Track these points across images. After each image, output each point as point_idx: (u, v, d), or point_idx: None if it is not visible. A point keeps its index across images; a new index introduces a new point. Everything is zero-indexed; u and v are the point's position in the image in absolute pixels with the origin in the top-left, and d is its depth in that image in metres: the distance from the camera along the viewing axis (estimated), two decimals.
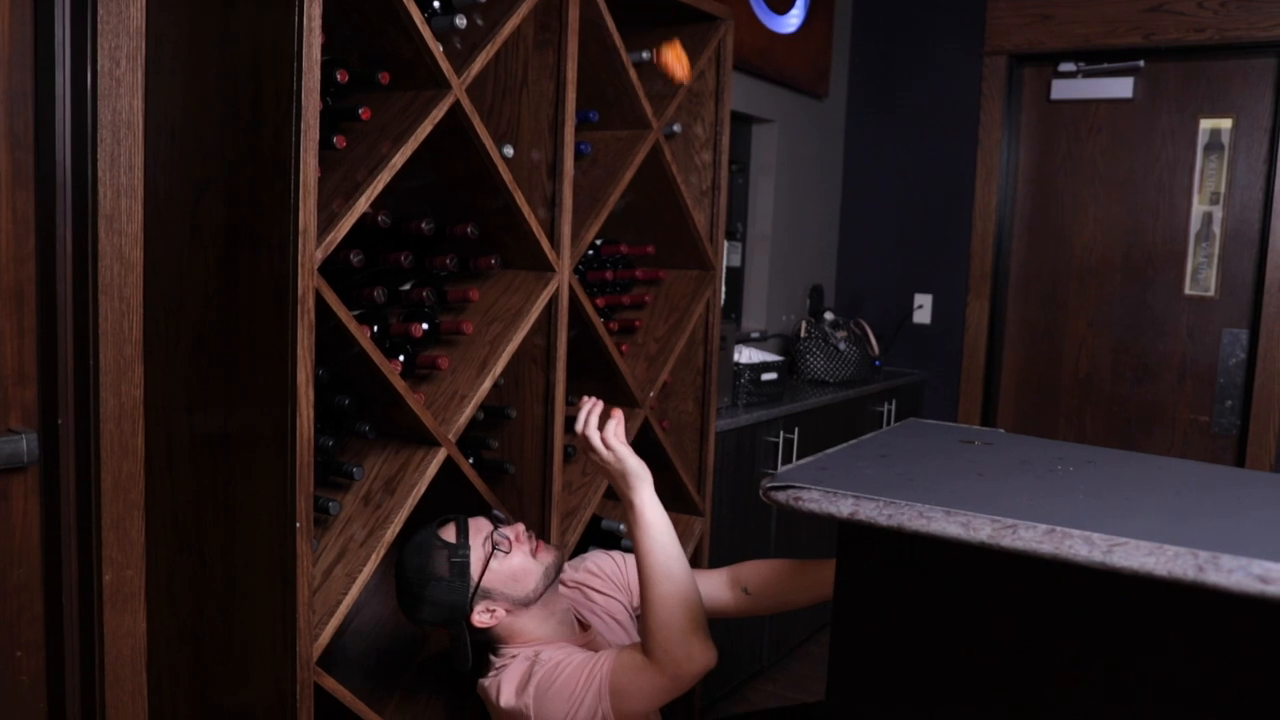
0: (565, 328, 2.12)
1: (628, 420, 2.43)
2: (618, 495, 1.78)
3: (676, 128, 2.60)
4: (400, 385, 1.75)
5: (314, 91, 1.50)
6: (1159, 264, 3.92)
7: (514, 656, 1.81)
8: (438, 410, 1.90)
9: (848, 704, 1.32)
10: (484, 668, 1.85)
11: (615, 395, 2.44)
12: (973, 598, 1.21)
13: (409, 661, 2.16)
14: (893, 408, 3.95)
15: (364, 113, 1.72)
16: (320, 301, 1.57)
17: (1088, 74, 3.97)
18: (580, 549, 2.43)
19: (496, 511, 1.93)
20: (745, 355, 3.28)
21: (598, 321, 2.27)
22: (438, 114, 1.74)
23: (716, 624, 1.85)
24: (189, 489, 1.71)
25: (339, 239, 1.59)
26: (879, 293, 4.39)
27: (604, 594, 2.06)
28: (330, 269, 1.62)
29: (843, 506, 1.17)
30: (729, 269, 3.79)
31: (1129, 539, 1.02)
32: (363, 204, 1.62)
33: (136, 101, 1.68)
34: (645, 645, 1.68)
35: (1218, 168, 3.80)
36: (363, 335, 1.68)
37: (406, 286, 1.94)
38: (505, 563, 1.79)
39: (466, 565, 1.77)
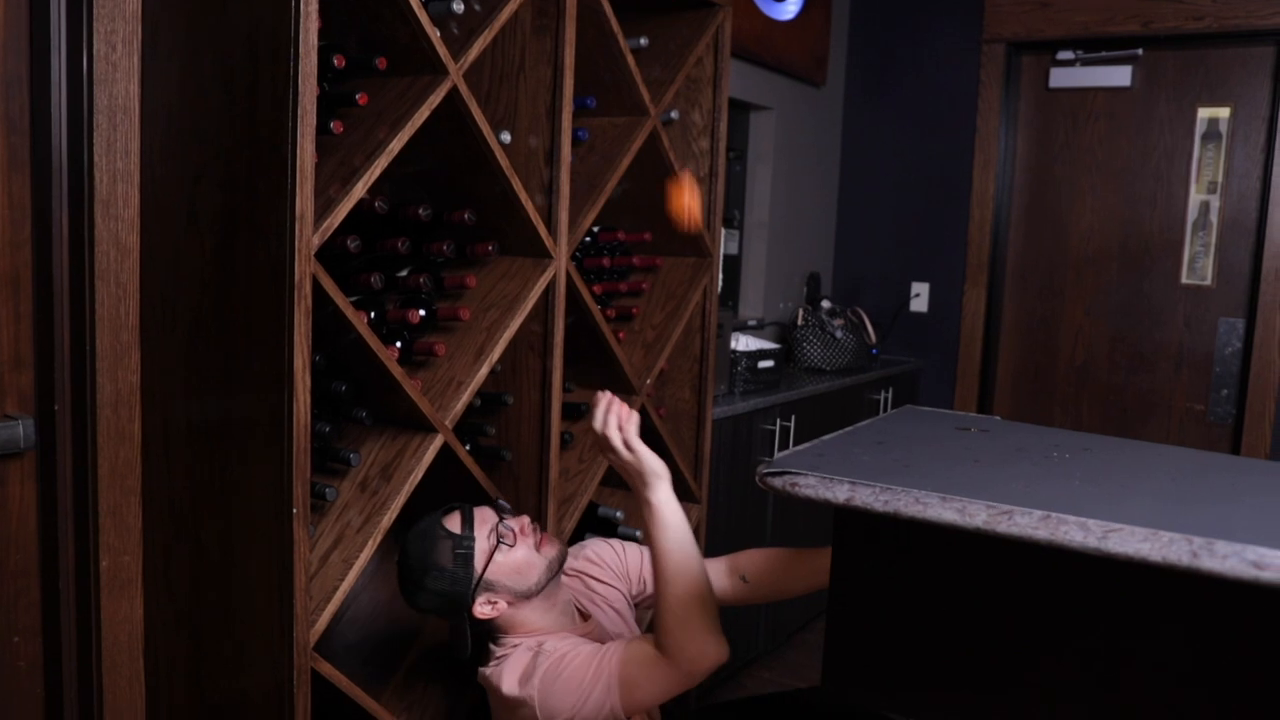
0: (562, 314, 2.12)
1: None
2: (633, 493, 1.76)
3: (674, 114, 2.59)
4: (397, 371, 1.75)
5: (311, 76, 1.49)
6: (1156, 253, 3.93)
7: (515, 646, 1.81)
8: (435, 397, 1.90)
9: (843, 689, 1.33)
10: (484, 656, 1.86)
11: (612, 383, 2.44)
12: (968, 584, 1.21)
13: (406, 648, 2.16)
14: (889, 396, 3.96)
15: (361, 98, 1.71)
16: (317, 287, 1.56)
17: (1086, 62, 3.97)
18: (577, 536, 2.43)
19: (501, 501, 1.93)
20: (742, 343, 3.28)
21: (595, 308, 2.27)
22: (435, 99, 1.74)
23: None
24: (186, 475, 1.71)
25: (336, 224, 1.59)
26: (876, 281, 4.39)
27: (603, 582, 2.06)
28: (327, 255, 1.62)
29: (839, 492, 1.18)
30: (726, 257, 3.79)
31: (1124, 525, 1.02)
32: (360, 189, 1.62)
33: (133, 86, 1.68)
34: (659, 640, 1.68)
35: (1215, 157, 3.80)
36: (360, 321, 1.67)
37: (404, 273, 1.93)
38: (509, 556, 1.79)
39: (471, 557, 1.77)
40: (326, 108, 1.68)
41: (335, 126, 1.67)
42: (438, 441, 1.85)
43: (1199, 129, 3.82)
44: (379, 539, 1.74)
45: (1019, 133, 4.15)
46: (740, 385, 3.18)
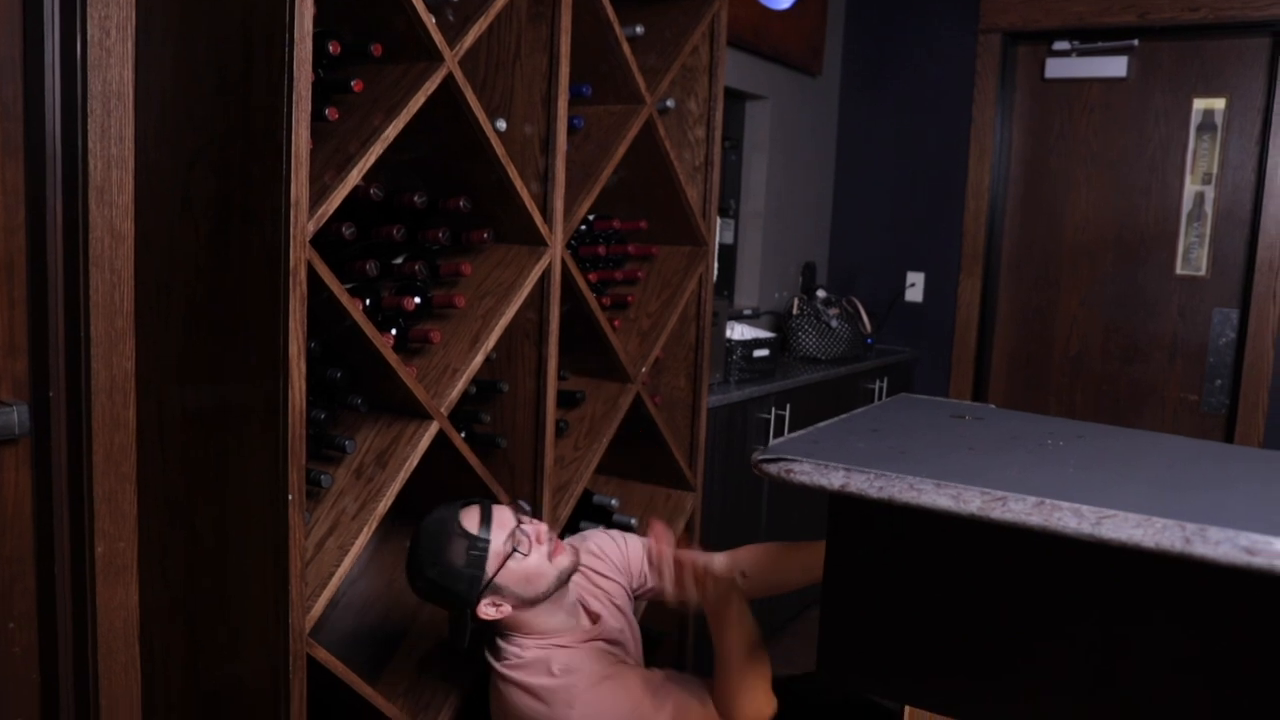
0: (558, 302, 2.12)
1: (620, 396, 2.44)
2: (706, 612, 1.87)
3: (670, 103, 2.59)
4: (392, 358, 1.75)
5: (306, 63, 1.49)
6: (1151, 244, 3.93)
7: (525, 648, 1.82)
8: (430, 384, 1.90)
9: (838, 676, 1.33)
10: (495, 650, 1.85)
11: (607, 370, 2.44)
12: (963, 570, 1.22)
13: (402, 634, 2.16)
14: (884, 385, 3.96)
15: (356, 85, 1.70)
16: (312, 274, 1.56)
17: (1082, 53, 3.96)
18: (571, 523, 2.44)
19: (521, 502, 1.92)
20: (737, 332, 3.28)
21: (590, 296, 2.27)
22: (430, 86, 1.73)
23: None
24: (181, 461, 1.71)
25: (331, 211, 1.58)
26: (871, 270, 4.39)
27: (606, 577, 2.05)
28: (322, 242, 1.62)
29: (834, 479, 1.18)
30: (722, 246, 3.79)
31: (1118, 511, 1.03)
32: (355, 176, 1.62)
33: (127, 72, 1.67)
34: (722, 709, 1.79)
35: (1210, 148, 3.81)
36: (355, 308, 1.67)
37: (399, 260, 1.93)
38: (522, 563, 1.77)
39: (484, 559, 1.75)
40: (321, 94, 1.67)
41: (330, 113, 1.66)
42: (433, 428, 1.85)
43: (1194, 120, 3.83)
44: (374, 525, 1.74)
45: (1014, 123, 4.15)
46: (735, 374, 3.18)
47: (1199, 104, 3.82)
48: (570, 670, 1.79)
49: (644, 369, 2.47)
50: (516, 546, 1.77)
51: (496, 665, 1.83)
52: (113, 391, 1.71)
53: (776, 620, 3.49)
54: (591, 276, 2.43)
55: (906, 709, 1.51)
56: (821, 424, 1.43)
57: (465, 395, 2.12)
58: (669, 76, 2.41)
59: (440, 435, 1.88)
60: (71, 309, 1.67)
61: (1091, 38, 3.92)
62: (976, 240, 4.16)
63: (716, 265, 3.09)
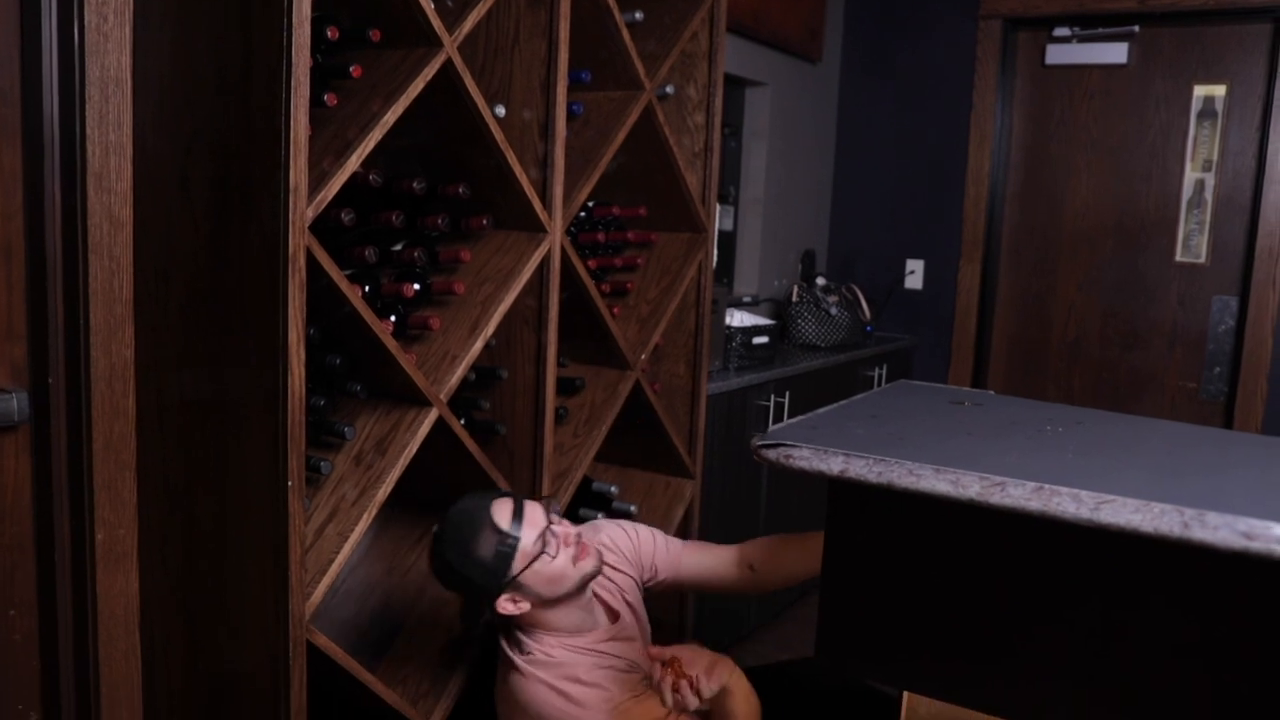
0: (557, 289, 2.12)
1: (619, 383, 2.44)
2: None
3: (669, 89, 2.58)
4: (392, 345, 1.75)
5: (304, 48, 1.48)
6: (1150, 230, 3.93)
7: (551, 647, 1.82)
8: (429, 370, 1.90)
9: (837, 660, 1.33)
10: (517, 644, 1.85)
11: (607, 357, 2.44)
12: (961, 555, 1.22)
13: (402, 621, 2.17)
14: (884, 372, 3.96)
15: (355, 70, 1.70)
16: (311, 260, 1.56)
17: (1082, 39, 3.95)
18: (571, 510, 2.44)
19: (553, 501, 1.91)
20: (737, 319, 3.28)
21: (590, 283, 2.27)
22: (429, 72, 1.73)
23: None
24: (181, 448, 1.71)
25: (330, 197, 1.58)
26: (871, 257, 4.39)
27: (618, 570, 2.04)
28: (321, 228, 1.62)
29: (833, 464, 1.18)
30: (721, 233, 3.79)
31: (1116, 496, 1.03)
32: (354, 162, 1.61)
33: (124, 58, 1.66)
34: None
35: (1211, 134, 3.80)
36: (354, 295, 1.67)
37: (398, 246, 1.93)
38: (548, 565, 1.76)
39: (511, 556, 1.74)
40: (320, 80, 1.67)
41: (329, 99, 1.66)
42: (432, 415, 1.86)
43: (1195, 106, 3.82)
44: (374, 512, 1.74)
45: (1015, 109, 4.14)
46: (735, 361, 3.18)
47: (1199, 90, 3.81)
48: (597, 685, 1.79)
49: (643, 356, 2.47)
50: (545, 548, 1.76)
51: (518, 659, 1.82)
52: (112, 379, 1.71)
53: (775, 606, 3.50)
54: (591, 263, 2.42)
55: (905, 694, 1.52)
56: (821, 410, 1.43)
57: (465, 382, 2.12)
58: (668, 62, 2.40)
59: (440, 422, 1.88)
60: (70, 296, 1.67)
61: (1092, 24, 3.91)
62: (976, 227, 4.16)
63: (716, 252, 3.08)
